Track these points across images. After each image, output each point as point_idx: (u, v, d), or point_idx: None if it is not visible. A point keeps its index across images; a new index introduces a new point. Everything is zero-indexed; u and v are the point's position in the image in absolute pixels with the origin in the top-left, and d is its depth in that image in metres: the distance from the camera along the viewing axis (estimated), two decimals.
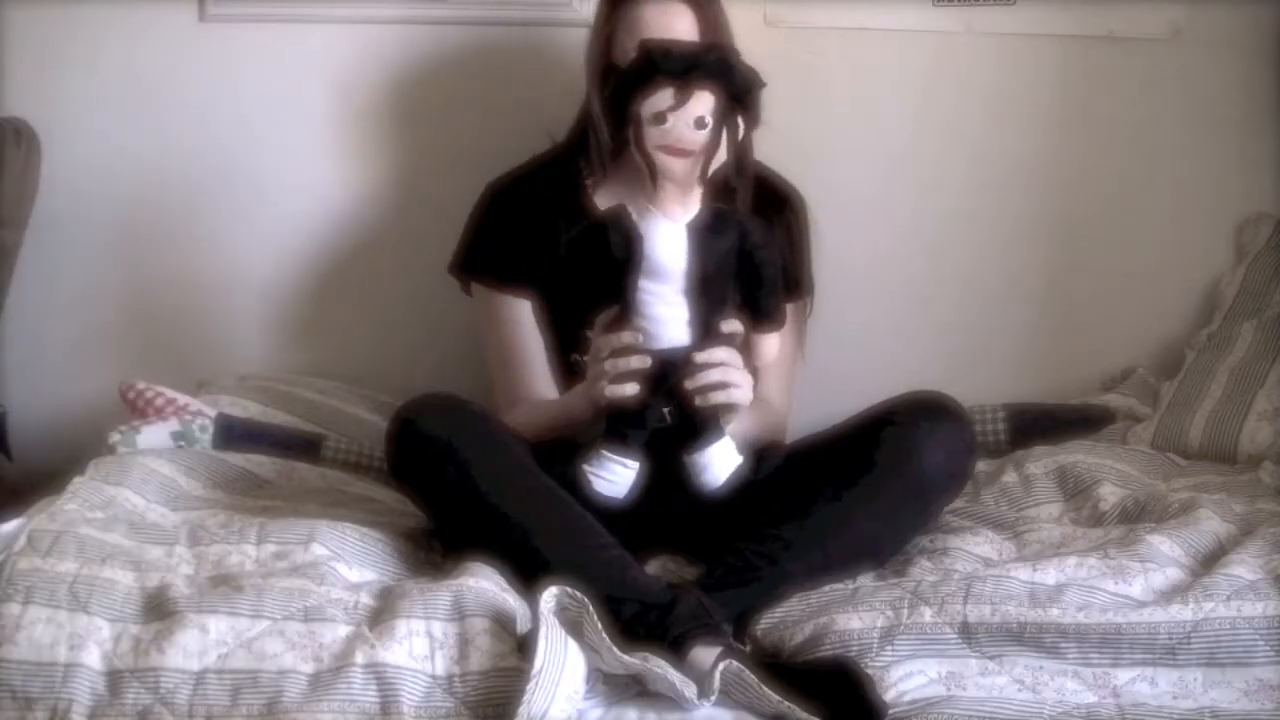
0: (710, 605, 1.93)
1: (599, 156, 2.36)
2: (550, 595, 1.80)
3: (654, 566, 2.12)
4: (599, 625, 1.78)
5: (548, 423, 2.24)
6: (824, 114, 2.72)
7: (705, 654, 1.84)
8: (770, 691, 1.75)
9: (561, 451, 2.14)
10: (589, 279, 2.01)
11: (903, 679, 1.82)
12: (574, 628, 1.81)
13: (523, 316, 2.37)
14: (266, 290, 2.76)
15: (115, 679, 1.78)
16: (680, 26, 2.26)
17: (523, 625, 1.85)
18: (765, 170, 2.42)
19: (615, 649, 1.77)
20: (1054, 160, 2.75)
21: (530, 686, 1.70)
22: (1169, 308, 2.77)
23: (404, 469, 2.07)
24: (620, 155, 2.32)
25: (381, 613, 1.85)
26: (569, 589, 1.82)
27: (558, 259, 2.32)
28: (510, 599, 1.89)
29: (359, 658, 1.79)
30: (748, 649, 1.93)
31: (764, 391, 2.33)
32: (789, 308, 2.35)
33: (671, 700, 1.79)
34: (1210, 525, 2.06)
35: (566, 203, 2.37)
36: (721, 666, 1.78)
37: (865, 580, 1.99)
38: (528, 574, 1.93)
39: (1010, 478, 2.37)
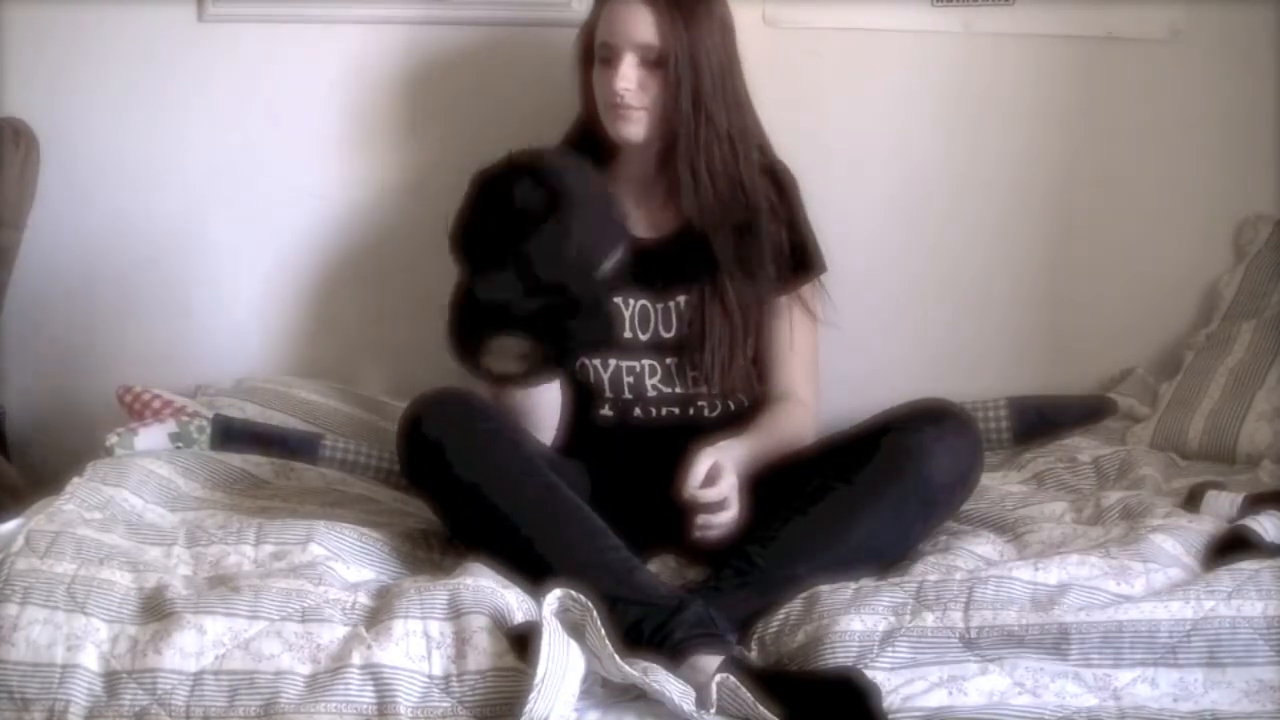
0: (714, 613, 1.93)
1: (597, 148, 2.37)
2: (554, 597, 1.80)
3: (655, 566, 2.12)
4: (602, 631, 1.78)
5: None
6: (822, 114, 2.71)
7: (707, 662, 1.84)
8: (765, 711, 1.75)
9: (582, 445, 2.15)
10: None
11: (903, 684, 1.82)
12: (576, 630, 1.80)
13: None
14: (266, 291, 2.76)
15: (112, 680, 1.78)
16: (640, 28, 2.26)
17: (522, 617, 1.85)
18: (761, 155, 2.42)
19: (616, 657, 1.77)
20: (1053, 160, 2.74)
21: (532, 696, 1.70)
22: (1168, 308, 2.78)
23: (412, 470, 2.08)
24: (618, 150, 2.34)
25: (379, 613, 1.84)
26: (573, 592, 1.81)
27: None
28: (510, 596, 1.89)
29: (356, 658, 1.79)
30: (753, 653, 1.93)
31: (790, 387, 2.34)
32: (795, 293, 2.36)
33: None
34: (1210, 525, 2.07)
35: None
36: (718, 679, 1.78)
37: (867, 581, 1.99)
38: (533, 575, 1.92)
39: (1012, 480, 2.38)
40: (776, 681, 1.81)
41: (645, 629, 1.89)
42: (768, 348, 2.36)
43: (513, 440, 2.07)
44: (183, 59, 2.71)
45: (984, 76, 2.73)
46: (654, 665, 1.80)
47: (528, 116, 2.56)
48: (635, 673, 1.77)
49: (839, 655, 1.85)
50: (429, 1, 2.69)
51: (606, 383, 2.30)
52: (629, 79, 2.26)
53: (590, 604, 1.80)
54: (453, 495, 2.03)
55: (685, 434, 2.23)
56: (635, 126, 2.29)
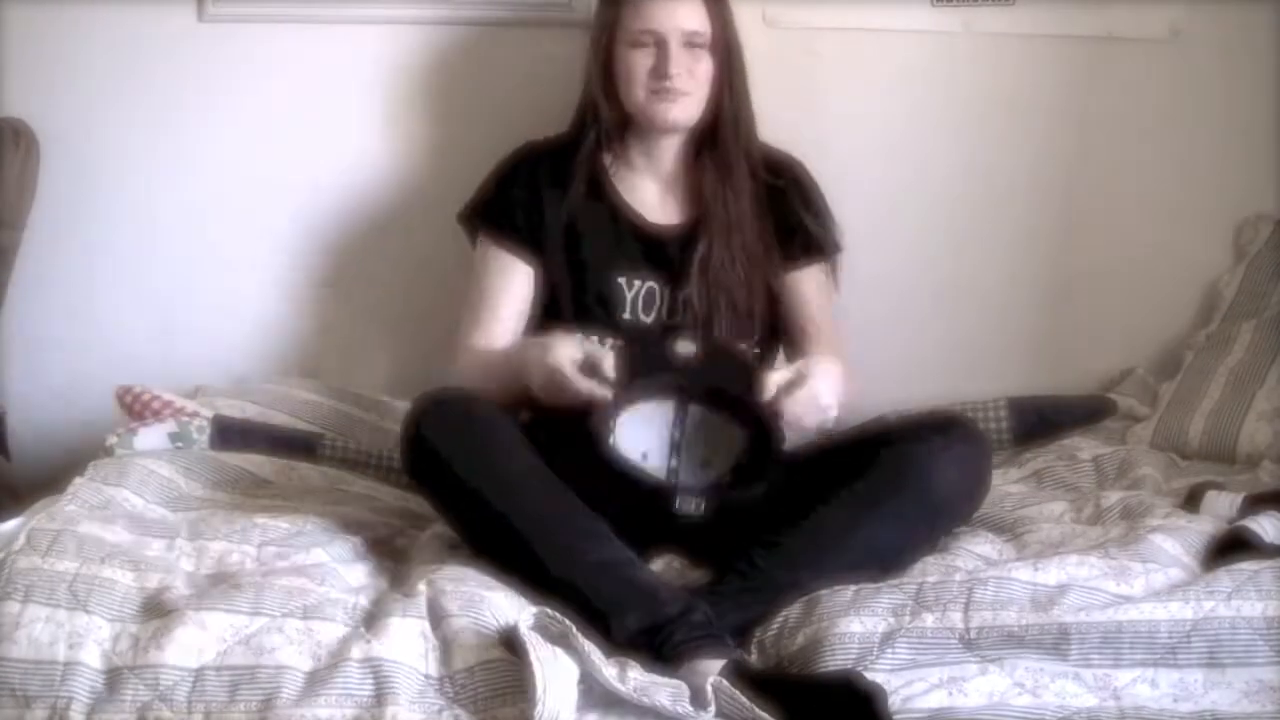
0: (714, 617, 1.92)
1: (603, 136, 2.37)
2: (529, 614, 1.81)
3: (657, 567, 2.11)
4: (585, 647, 1.78)
5: (492, 374, 2.25)
6: (822, 114, 2.71)
7: (709, 665, 1.83)
8: (762, 712, 1.74)
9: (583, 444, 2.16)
10: None
11: (903, 685, 1.82)
12: (560, 640, 1.80)
13: (515, 278, 2.35)
14: (265, 290, 2.76)
15: (114, 677, 1.78)
16: (688, 15, 2.28)
17: (508, 619, 1.85)
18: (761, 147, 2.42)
19: (604, 670, 1.77)
20: (1053, 160, 2.75)
21: (537, 711, 1.70)
22: (1168, 308, 2.78)
23: (413, 469, 2.08)
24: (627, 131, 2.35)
25: (375, 616, 1.85)
26: (548, 610, 1.82)
27: (555, 234, 2.33)
28: (496, 598, 1.89)
29: (355, 653, 1.79)
30: (753, 656, 1.93)
31: (821, 349, 2.34)
32: (818, 268, 2.39)
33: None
34: (1210, 525, 2.07)
35: (589, 181, 2.37)
36: (712, 682, 1.77)
37: (866, 583, 1.97)
38: (533, 576, 1.93)
39: (1011, 479, 2.38)
40: (779, 685, 1.80)
41: (646, 634, 1.89)
42: (792, 321, 2.37)
43: (513, 440, 2.07)
44: (183, 59, 2.71)
45: (984, 76, 2.73)
46: (642, 677, 1.79)
47: (528, 117, 2.56)
48: (624, 689, 1.76)
49: (839, 657, 1.85)
50: (430, 1, 2.69)
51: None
52: (681, 64, 2.27)
53: (569, 623, 1.80)
54: (453, 495, 2.03)
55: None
56: (682, 110, 2.30)
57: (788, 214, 2.39)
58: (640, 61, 2.30)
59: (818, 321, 2.39)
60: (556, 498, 2.01)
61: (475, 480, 2.00)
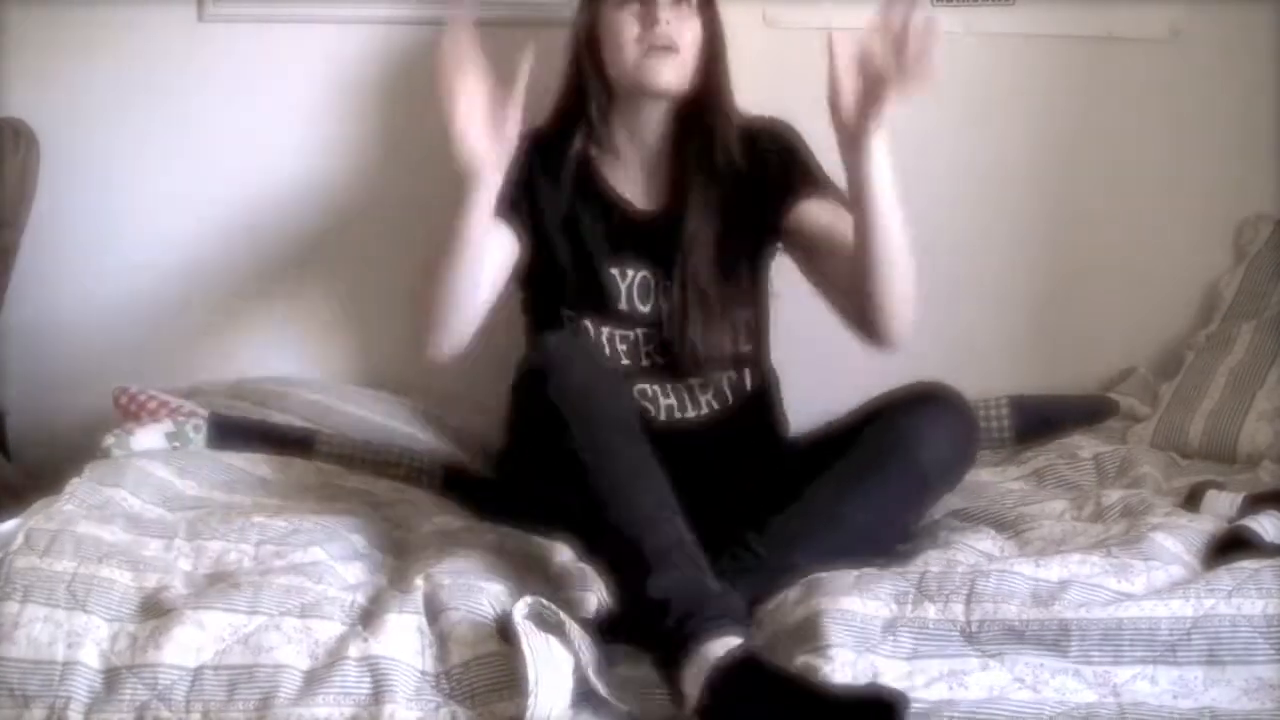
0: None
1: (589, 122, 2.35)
2: (523, 604, 1.81)
3: None
4: (577, 641, 1.78)
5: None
6: (822, 114, 2.69)
7: (734, 642, 1.82)
8: None
9: None
10: None
11: (903, 677, 1.82)
12: (555, 629, 1.81)
13: (499, 240, 2.26)
14: (266, 289, 2.76)
15: (112, 676, 1.78)
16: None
17: (501, 608, 1.85)
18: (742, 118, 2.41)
19: (589, 669, 1.77)
20: (1053, 160, 2.75)
21: (530, 702, 1.70)
22: (1168, 308, 2.78)
23: (524, 402, 2.05)
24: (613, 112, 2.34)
25: (372, 614, 1.85)
26: (543, 600, 1.82)
27: (553, 223, 2.32)
28: (493, 588, 1.90)
29: (352, 651, 1.80)
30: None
31: None
32: (827, 200, 2.31)
33: None
34: (1210, 524, 2.07)
35: (578, 173, 2.36)
36: (705, 680, 1.76)
37: (869, 570, 1.96)
38: (590, 515, 1.94)
39: (1011, 476, 2.38)
40: (791, 689, 1.76)
41: (684, 598, 1.86)
42: (825, 252, 2.29)
43: (615, 396, 2.05)
44: (183, 59, 2.71)
45: (984, 76, 2.73)
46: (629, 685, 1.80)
47: (527, 116, 2.56)
48: (602, 690, 1.77)
49: (839, 633, 1.84)
50: (429, 1, 2.69)
51: (605, 346, 2.29)
52: (669, 14, 2.24)
53: (564, 616, 1.80)
54: (551, 431, 1.98)
55: (686, 437, 2.24)
56: (672, 72, 2.26)
57: (780, 176, 2.34)
58: (628, 20, 2.27)
59: (839, 237, 2.25)
60: (642, 466, 1.98)
61: (577, 425, 1.96)
